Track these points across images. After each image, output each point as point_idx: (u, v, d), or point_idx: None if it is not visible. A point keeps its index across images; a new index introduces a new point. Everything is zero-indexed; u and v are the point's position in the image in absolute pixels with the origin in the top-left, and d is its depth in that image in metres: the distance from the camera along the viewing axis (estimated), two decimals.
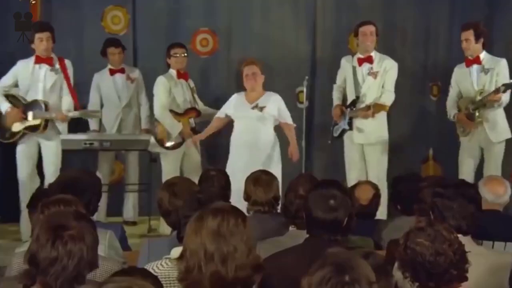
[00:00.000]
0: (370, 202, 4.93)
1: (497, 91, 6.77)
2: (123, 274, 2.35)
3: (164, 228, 6.44)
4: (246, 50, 8.21)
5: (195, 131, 7.40)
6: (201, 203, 3.66)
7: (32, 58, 7.03)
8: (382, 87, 7.23)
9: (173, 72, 7.43)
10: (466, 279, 2.83)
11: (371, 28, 7.25)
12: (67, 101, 7.08)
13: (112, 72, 7.71)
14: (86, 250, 2.58)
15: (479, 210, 3.53)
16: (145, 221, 7.52)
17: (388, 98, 7.23)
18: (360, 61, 7.28)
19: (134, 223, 7.75)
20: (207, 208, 2.76)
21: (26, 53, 7.14)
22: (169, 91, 7.36)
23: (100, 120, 7.75)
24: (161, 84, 7.36)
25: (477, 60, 7.08)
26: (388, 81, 7.24)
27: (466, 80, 7.13)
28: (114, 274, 2.38)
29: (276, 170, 6.54)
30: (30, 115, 6.97)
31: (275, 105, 6.80)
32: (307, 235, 3.44)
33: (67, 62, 7.12)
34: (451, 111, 7.25)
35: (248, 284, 2.64)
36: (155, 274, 2.96)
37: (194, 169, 7.27)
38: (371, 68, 7.24)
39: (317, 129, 8.30)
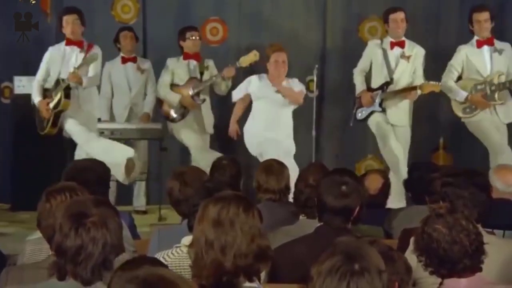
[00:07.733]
0: (379, 192, 4.91)
1: None
2: (133, 263, 2.35)
3: None
4: (256, 39, 8.19)
5: (197, 95, 7.44)
6: (209, 192, 3.66)
7: (63, 42, 7.08)
8: (414, 73, 7.22)
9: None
10: (480, 270, 2.81)
11: (401, 15, 7.23)
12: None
13: (124, 61, 7.71)
14: (109, 235, 2.59)
15: (489, 198, 3.51)
16: (155, 210, 7.53)
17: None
18: (392, 45, 7.23)
19: (144, 212, 7.76)
20: (213, 197, 2.77)
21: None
22: (172, 72, 7.54)
23: (111, 109, 7.77)
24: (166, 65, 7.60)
25: (490, 41, 7.09)
26: (419, 67, 7.25)
27: (479, 61, 7.10)
28: (125, 263, 2.38)
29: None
30: (53, 95, 6.97)
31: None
32: (318, 224, 3.45)
33: (96, 48, 7.13)
34: (460, 92, 7.11)
35: (251, 272, 2.63)
36: (166, 262, 2.98)
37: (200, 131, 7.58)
38: (403, 52, 7.21)
39: (327, 118, 8.27)
